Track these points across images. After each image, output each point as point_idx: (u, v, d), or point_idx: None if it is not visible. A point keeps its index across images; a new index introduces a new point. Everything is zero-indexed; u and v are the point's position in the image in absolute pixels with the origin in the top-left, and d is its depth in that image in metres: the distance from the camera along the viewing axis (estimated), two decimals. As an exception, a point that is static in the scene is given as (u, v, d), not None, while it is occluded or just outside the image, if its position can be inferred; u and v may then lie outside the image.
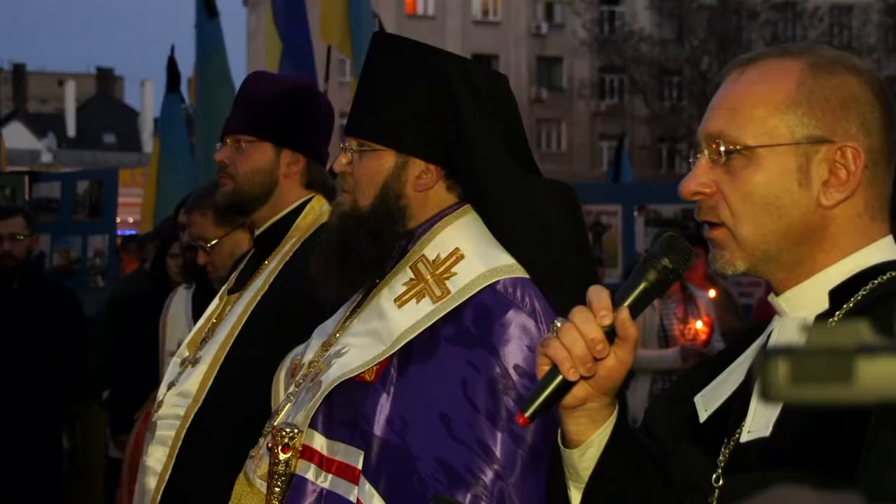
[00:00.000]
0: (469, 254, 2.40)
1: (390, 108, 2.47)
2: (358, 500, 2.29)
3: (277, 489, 2.42)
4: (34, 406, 6.04)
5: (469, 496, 2.22)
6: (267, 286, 3.13)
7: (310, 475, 2.38)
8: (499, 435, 2.24)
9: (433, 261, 2.43)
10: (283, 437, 2.41)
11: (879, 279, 1.64)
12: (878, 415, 1.46)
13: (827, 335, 0.82)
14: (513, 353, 2.28)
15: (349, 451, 2.34)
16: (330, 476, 2.36)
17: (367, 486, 2.28)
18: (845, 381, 0.80)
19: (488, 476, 2.22)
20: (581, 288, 2.35)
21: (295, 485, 2.39)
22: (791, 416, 1.60)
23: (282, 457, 2.41)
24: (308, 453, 2.40)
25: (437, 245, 2.44)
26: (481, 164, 2.42)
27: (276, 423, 2.50)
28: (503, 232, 2.42)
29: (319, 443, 2.40)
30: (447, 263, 2.41)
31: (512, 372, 2.27)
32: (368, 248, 2.45)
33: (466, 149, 2.42)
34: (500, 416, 2.25)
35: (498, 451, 2.24)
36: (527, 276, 2.36)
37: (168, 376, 3.24)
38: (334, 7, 7.89)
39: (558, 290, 2.36)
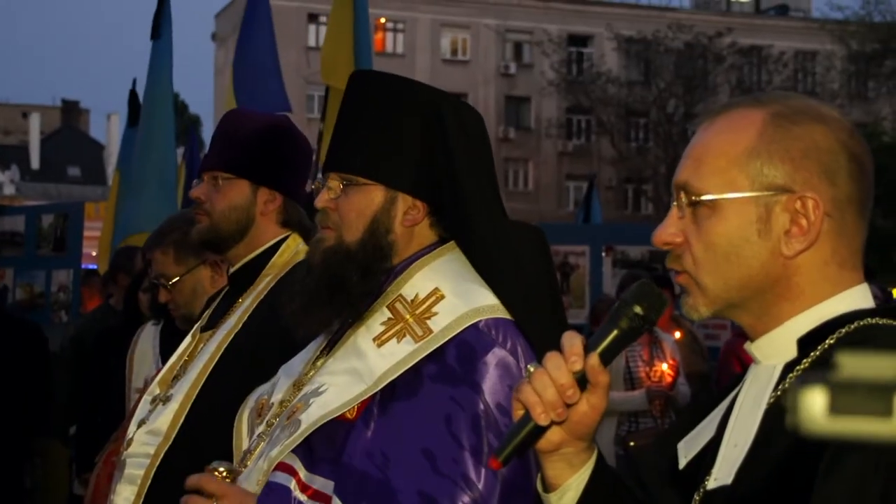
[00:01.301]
0: (449, 294, 2.40)
1: (378, 143, 2.46)
2: None
3: None
4: (-3, 442, 5.96)
5: None
6: (240, 325, 3.10)
7: (292, 486, 2.34)
8: (482, 471, 2.25)
9: (411, 301, 2.42)
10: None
11: (847, 328, 1.64)
12: (826, 464, 1.47)
13: (864, 367, 0.81)
14: (495, 391, 2.28)
15: (328, 484, 2.33)
16: (306, 497, 2.33)
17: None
18: (886, 416, 0.79)
19: None
20: (554, 328, 2.37)
21: (275, 488, 2.34)
22: (752, 464, 1.62)
23: None
24: (290, 470, 2.37)
25: (415, 285, 2.44)
26: (469, 200, 2.43)
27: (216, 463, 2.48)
28: (487, 269, 2.42)
29: (299, 468, 2.37)
30: (427, 303, 2.40)
31: (494, 410, 2.27)
32: (358, 284, 2.44)
33: (456, 185, 2.42)
34: (483, 451, 2.25)
35: (482, 486, 2.24)
36: (508, 316, 2.36)
37: (138, 414, 3.20)
38: (339, 47, 7.93)
39: (537, 329, 2.37)
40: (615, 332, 1.69)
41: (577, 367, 1.65)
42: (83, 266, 10.41)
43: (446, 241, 2.50)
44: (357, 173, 2.47)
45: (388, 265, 2.46)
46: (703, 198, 1.68)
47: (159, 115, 9.20)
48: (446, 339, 2.33)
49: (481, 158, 2.49)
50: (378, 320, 2.44)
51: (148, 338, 4.99)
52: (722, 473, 1.66)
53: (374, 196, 2.45)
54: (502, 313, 2.36)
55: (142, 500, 3.00)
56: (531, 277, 2.43)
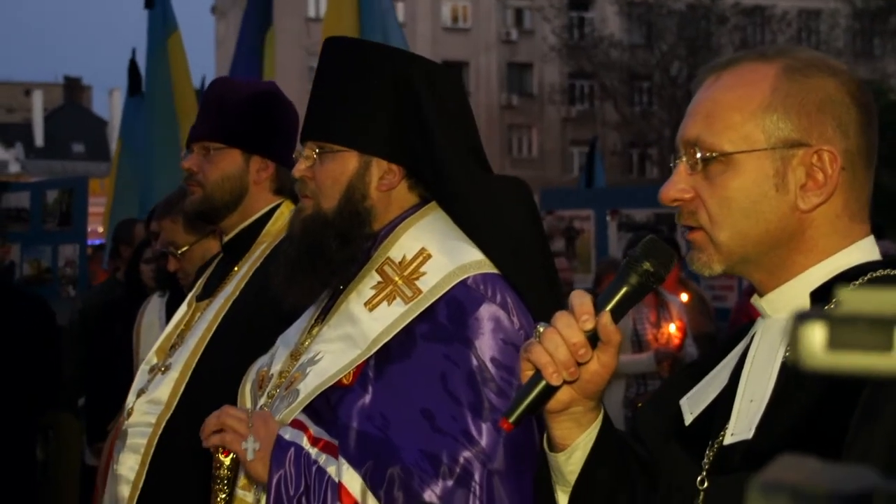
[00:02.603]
0: (436, 252, 2.42)
1: (350, 110, 2.47)
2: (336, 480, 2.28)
3: (223, 495, 2.41)
4: (8, 416, 5.98)
5: (457, 483, 2.23)
6: (238, 293, 3.10)
7: (303, 443, 2.35)
8: (483, 425, 2.26)
9: (399, 263, 2.44)
10: None
11: (861, 279, 1.64)
12: (858, 419, 1.46)
13: (865, 302, 0.79)
14: (489, 346, 2.30)
15: (335, 442, 2.34)
16: (317, 449, 2.34)
17: (345, 464, 2.28)
18: (886, 350, 0.78)
19: (474, 464, 2.24)
20: (544, 280, 2.38)
21: (285, 445, 2.35)
22: (773, 418, 1.61)
23: (223, 459, 2.40)
24: (300, 426, 2.38)
25: (402, 247, 2.46)
26: (446, 159, 2.43)
27: None
28: (470, 225, 2.43)
29: (309, 424, 2.39)
30: (414, 264, 2.42)
31: (489, 364, 2.29)
32: (338, 251, 2.45)
33: (429, 145, 2.43)
34: (483, 406, 2.26)
35: (483, 441, 2.25)
36: (496, 271, 2.38)
37: (137, 384, 3.20)
38: (341, 19, 7.90)
39: (525, 283, 2.39)
40: (625, 289, 1.68)
41: (589, 325, 1.64)
42: (89, 242, 10.41)
43: (428, 201, 2.51)
44: (330, 140, 2.48)
45: (367, 230, 2.47)
46: (719, 153, 1.67)
47: (159, 88, 9.19)
48: (436, 297, 2.35)
49: (456, 116, 2.49)
50: (368, 285, 2.45)
51: (154, 309, 5.00)
52: (739, 428, 1.65)
53: (347, 162, 2.46)
54: (489, 268, 2.37)
55: (146, 468, 3.01)
56: (516, 229, 2.45)
